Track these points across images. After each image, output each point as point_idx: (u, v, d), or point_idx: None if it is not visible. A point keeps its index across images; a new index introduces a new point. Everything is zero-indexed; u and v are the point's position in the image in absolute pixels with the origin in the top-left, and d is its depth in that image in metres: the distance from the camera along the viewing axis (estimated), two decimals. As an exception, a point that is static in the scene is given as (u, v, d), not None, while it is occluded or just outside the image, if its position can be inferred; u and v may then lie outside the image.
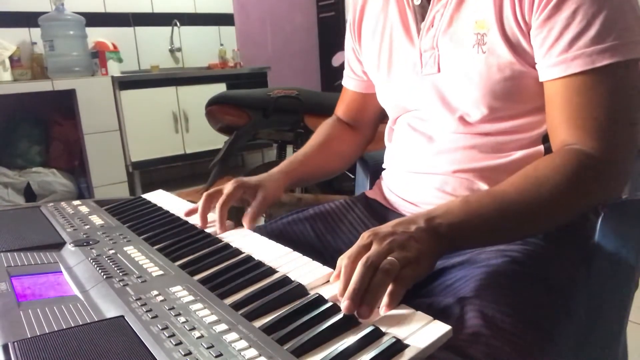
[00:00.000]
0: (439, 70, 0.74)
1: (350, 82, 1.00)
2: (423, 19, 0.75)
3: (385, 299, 0.48)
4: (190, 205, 0.85)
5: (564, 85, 0.62)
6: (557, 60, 0.62)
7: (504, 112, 0.70)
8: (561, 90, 0.63)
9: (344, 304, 0.46)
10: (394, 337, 0.42)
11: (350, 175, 2.07)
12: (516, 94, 0.68)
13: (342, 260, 0.52)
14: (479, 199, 0.60)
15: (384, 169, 0.92)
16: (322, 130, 1.02)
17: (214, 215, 0.78)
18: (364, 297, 0.46)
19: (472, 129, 0.73)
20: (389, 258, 0.50)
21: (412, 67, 0.78)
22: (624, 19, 0.60)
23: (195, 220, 0.78)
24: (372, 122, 1.04)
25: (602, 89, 0.60)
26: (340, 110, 1.05)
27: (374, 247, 0.52)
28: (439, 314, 0.48)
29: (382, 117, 1.02)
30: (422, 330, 0.43)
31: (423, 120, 0.80)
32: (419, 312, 0.46)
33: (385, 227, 0.55)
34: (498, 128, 0.71)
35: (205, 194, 0.80)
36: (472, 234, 0.58)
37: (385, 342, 0.41)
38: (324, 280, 0.55)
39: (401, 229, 0.54)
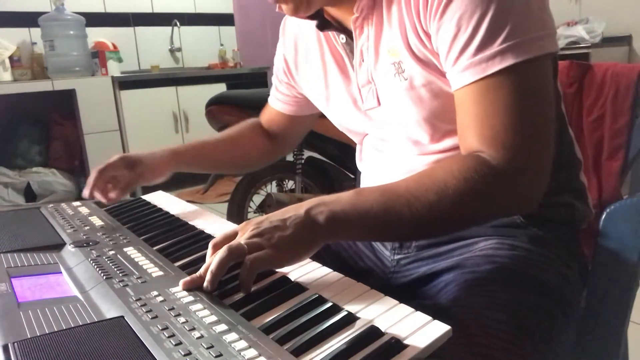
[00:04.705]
0: (379, 104, 0.71)
1: (276, 103, 0.96)
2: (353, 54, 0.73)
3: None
4: (188, 206, 0.85)
5: (461, 96, 0.59)
6: (451, 71, 0.59)
7: (451, 125, 0.65)
8: (460, 100, 0.60)
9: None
10: (394, 336, 0.42)
11: (351, 175, 2.07)
12: (454, 106, 0.63)
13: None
14: (369, 192, 0.57)
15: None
16: (239, 126, 1.00)
17: (214, 216, 0.78)
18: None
19: (427, 148, 0.70)
20: (235, 241, 0.53)
21: (352, 103, 0.76)
22: (514, 16, 0.55)
23: (195, 221, 0.78)
24: (292, 141, 1.03)
25: (497, 96, 0.56)
26: (264, 119, 1.01)
27: (237, 237, 0.55)
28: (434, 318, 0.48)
29: (303, 137, 1.03)
30: (422, 330, 0.43)
31: (384, 140, 0.78)
32: (418, 312, 0.46)
33: (262, 217, 0.56)
34: (454, 144, 0.67)
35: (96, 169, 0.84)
36: (354, 226, 0.56)
37: (385, 341, 0.41)
38: (324, 281, 0.55)
39: (275, 218, 0.55)
